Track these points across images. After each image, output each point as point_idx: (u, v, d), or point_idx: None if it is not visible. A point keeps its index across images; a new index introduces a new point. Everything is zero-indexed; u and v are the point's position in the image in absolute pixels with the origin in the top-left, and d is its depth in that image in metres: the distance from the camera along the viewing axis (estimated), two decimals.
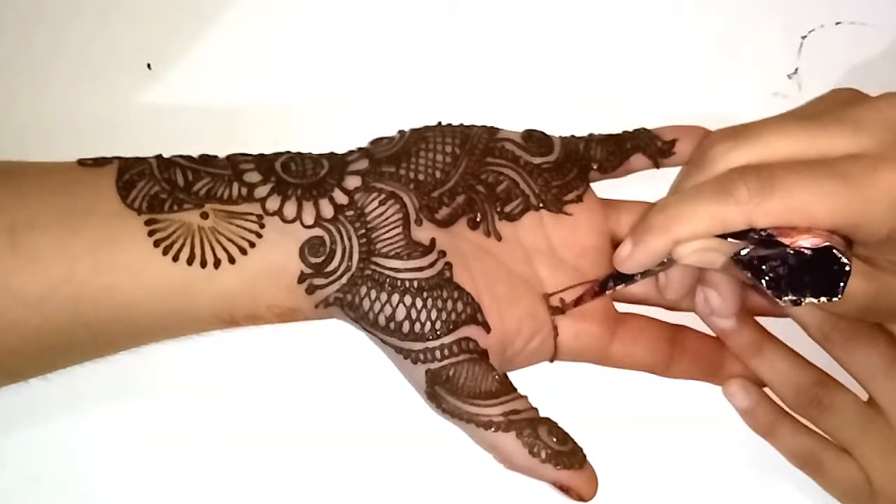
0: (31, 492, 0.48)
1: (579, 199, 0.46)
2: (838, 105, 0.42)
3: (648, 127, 0.47)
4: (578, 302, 0.45)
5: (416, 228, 0.42)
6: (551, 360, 0.46)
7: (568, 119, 0.47)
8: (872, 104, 0.41)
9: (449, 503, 0.49)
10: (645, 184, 0.48)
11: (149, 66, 0.49)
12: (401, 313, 0.41)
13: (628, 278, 0.44)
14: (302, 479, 0.48)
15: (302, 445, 0.48)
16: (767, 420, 0.48)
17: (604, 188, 0.48)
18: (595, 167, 0.47)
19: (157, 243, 0.40)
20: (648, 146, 0.47)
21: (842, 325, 0.46)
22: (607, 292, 0.45)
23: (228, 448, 0.48)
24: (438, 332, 0.41)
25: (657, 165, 0.47)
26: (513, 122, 0.46)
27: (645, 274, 0.43)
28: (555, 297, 0.45)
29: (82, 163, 0.42)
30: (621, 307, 0.48)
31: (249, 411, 0.48)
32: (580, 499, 0.41)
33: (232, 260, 0.41)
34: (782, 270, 0.40)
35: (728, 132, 0.42)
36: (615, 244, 0.47)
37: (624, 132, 0.47)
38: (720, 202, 0.40)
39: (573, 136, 0.47)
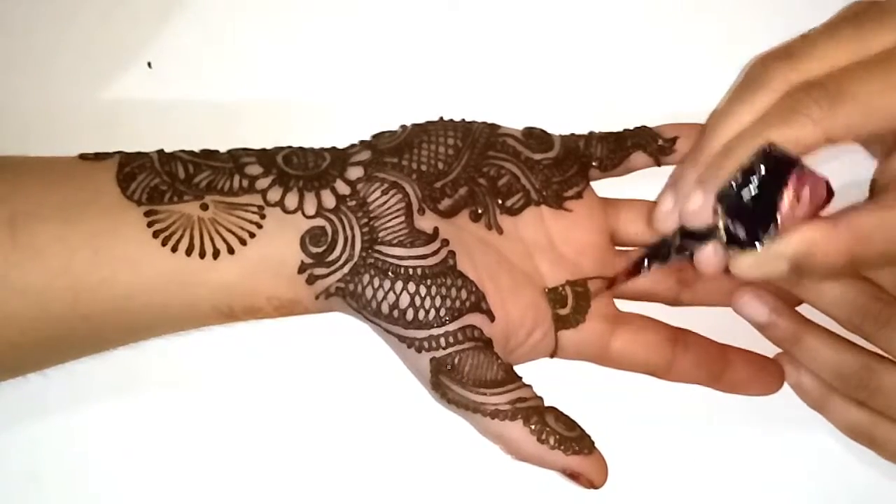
0: (31, 490, 0.47)
1: (579, 195, 0.46)
2: (870, 5, 0.41)
3: (649, 125, 0.47)
4: (612, 283, 0.45)
5: (418, 218, 0.42)
6: (551, 356, 0.45)
7: (568, 117, 0.47)
8: None
9: (453, 497, 0.48)
10: (645, 183, 0.48)
11: (149, 64, 0.49)
12: (404, 301, 0.41)
13: (665, 257, 0.42)
14: (304, 474, 0.48)
15: (304, 441, 0.48)
16: (791, 332, 0.47)
17: (604, 187, 0.48)
18: (595, 164, 0.47)
19: (156, 234, 0.40)
20: (649, 144, 0.47)
21: (872, 315, 0.45)
22: (642, 272, 0.43)
23: (231, 444, 0.47)
24: (443, 320, 0.41)
25: (658, 163, 0.47)
26: (513, 120, 0.47)
27: (680, 250, 0.41)
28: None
29: (84, 157, 0.42)
30: (622, 306, 0.47)
31: (251, 408, 0.48)
32: (591, 485, 0.41)
33: (231, 250, 0.41)
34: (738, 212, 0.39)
35: (779, 52, 0.41)
36: (615, 242, 0.48)
37: (625, 130, 0.47)
38: (793, 124, 0.38)
39: (573, 134, 0.47)
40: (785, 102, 0.39)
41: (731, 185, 0.39)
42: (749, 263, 0.40)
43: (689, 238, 0.41)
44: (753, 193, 0.39)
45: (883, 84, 0.38)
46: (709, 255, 0.41)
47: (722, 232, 0.40)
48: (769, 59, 0.41)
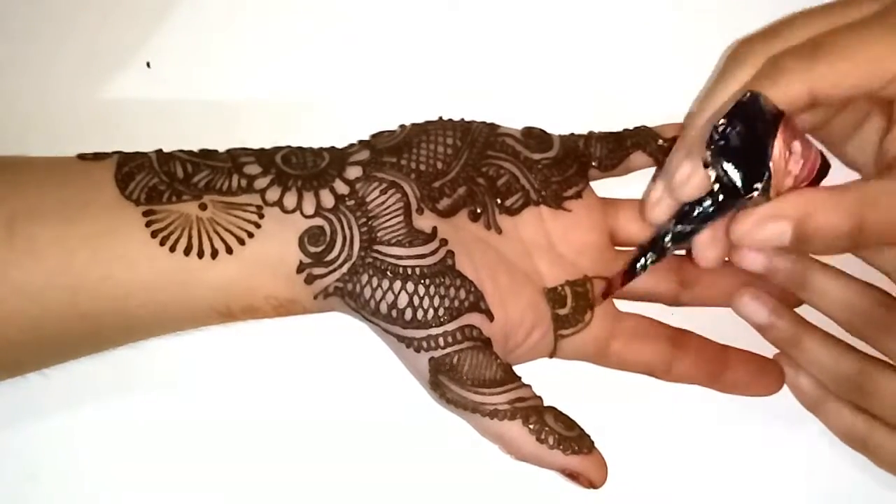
0: (31, 490, 0.47)
1: (578, 195, 0.46)
2: None
3: (649, 125, 0.47)
4: (609, 288, 0.45)
5: (417, 217, 0.42)
6: (550, 356, 0.45)
7: (568, 117, 0.47)
8: None
9: (453, 497, 0.48)
10: (645, 183, 0.48)
11: (148, 64, 0.49)
12: (403, 300, 0.41)
13: (662, 250, 0.42)
14: (303, 474, 0.48)
15: (304, 441, 0.47)
16: (790, 333, 0.47)
17: (604, 187, 0.48)
18: (594, 164, 0.47)
19: (154, 234, 0.40)
20: (649, 144, 0.47)
21: (874, 319, 0.45)
22: (638, 272, 0.43)
23: (230, 444, 0.47)
24: (442, 319, 0.41)
25: (658, 163, 0.47)
26: (512, 120, 0.47)
27: (676, 239, 0.41)
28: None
29: (82, 157, 0.42)
30: (622, 306, 0.47)
31: (251, 408, 0.48)
32: (591, 485, 0.41)
33: (230, 250, 0.41)
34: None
35: (758, 32, 0.41)
36: (614, 242, 0.48)
37: (624, 130, 0.47)
38: (775, 80, 0.38)
39: (573, 134, 0.47)
40: (765, 66, 0.39)
41: (717, 130, 0.38)
42: (750, 224, 0.38)
43: (685, 223, 0.40)
44: (740, 131, 0.37)
45: (864, 37, 0.38)
46: (706, 241, 0.41)
47: (716, 186, 0.38)
48: (750, 39, 0.41)
